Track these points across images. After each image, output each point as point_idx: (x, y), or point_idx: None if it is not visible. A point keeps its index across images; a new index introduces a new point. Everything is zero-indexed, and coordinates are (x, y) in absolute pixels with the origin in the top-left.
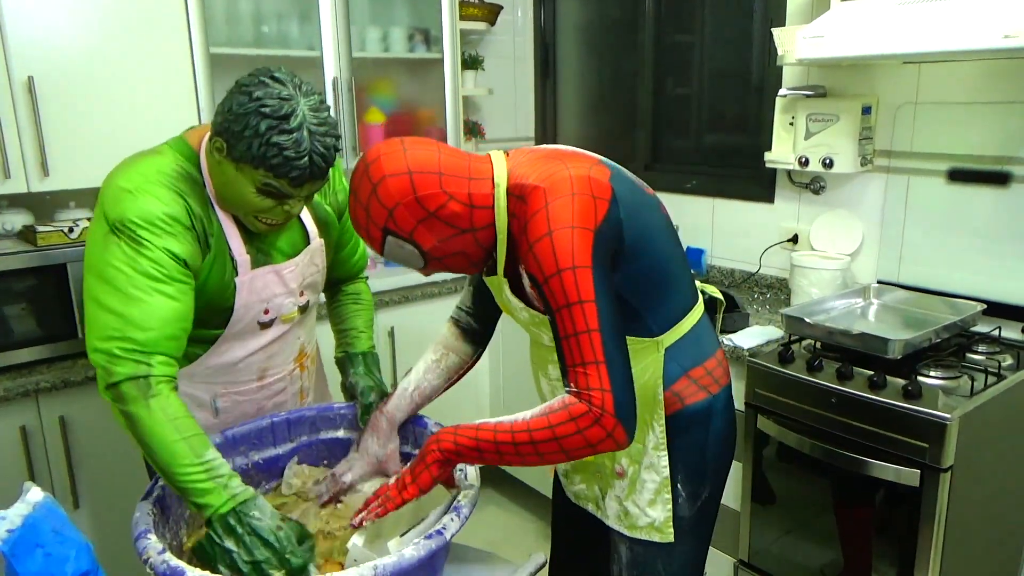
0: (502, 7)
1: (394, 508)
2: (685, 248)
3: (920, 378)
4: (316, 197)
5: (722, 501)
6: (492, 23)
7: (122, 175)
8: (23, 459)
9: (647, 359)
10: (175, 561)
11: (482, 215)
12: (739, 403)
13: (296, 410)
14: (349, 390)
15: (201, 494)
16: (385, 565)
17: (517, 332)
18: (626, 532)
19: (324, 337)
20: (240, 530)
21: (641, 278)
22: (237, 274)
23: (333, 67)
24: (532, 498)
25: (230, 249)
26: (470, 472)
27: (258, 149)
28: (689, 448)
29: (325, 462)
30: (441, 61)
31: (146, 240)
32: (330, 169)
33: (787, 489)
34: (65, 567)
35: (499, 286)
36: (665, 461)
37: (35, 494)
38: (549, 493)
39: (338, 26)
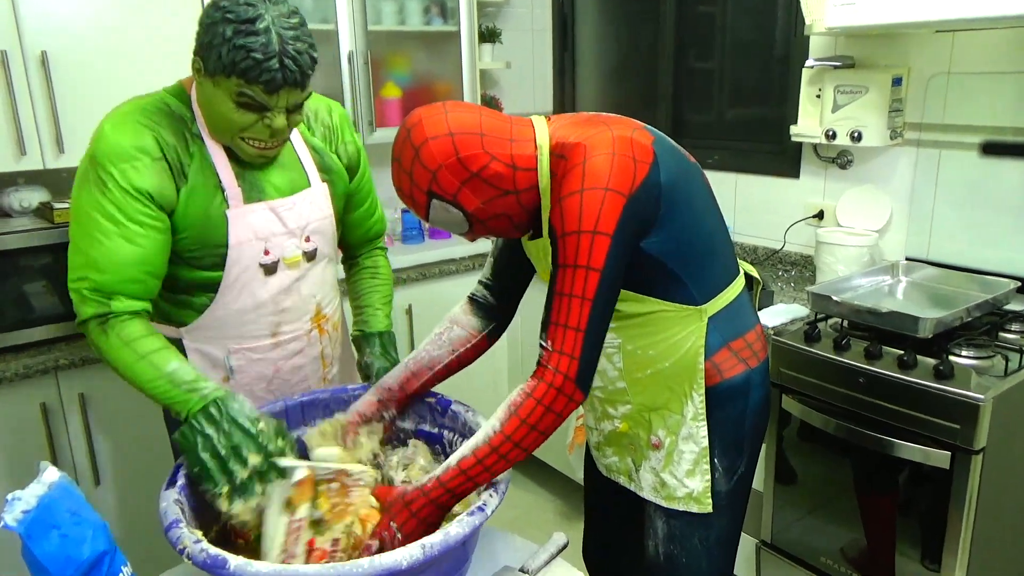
0: None
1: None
2: None
3: (952, 357)
4: (321, 143)
5: None
6: None
7: (108, 114)
8: (44, 436)
9: (691, 327)
10: (215, 550)
11: (525, 177)
12: None
13: (309, 392)
14: (364, 371)
15: (173, 403)
16: (433, 544)
17: (534, 314)
18: (663, 503)
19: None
20: (219, 417)
21: (683, 244)
22: (228, 206)
23: (348, 41)
24: (553, 477)
25: (220, 181)
26: None
27: (227, 55)
28: (726, 422)
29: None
30: (458, 34)
31: (110, 178)
32: (337, 117)
33: (811, 470)
34: (82, 548)
35: (544, 249)
36: (704, 431)
37: (51, 474)
38: (569, 472)
39: None
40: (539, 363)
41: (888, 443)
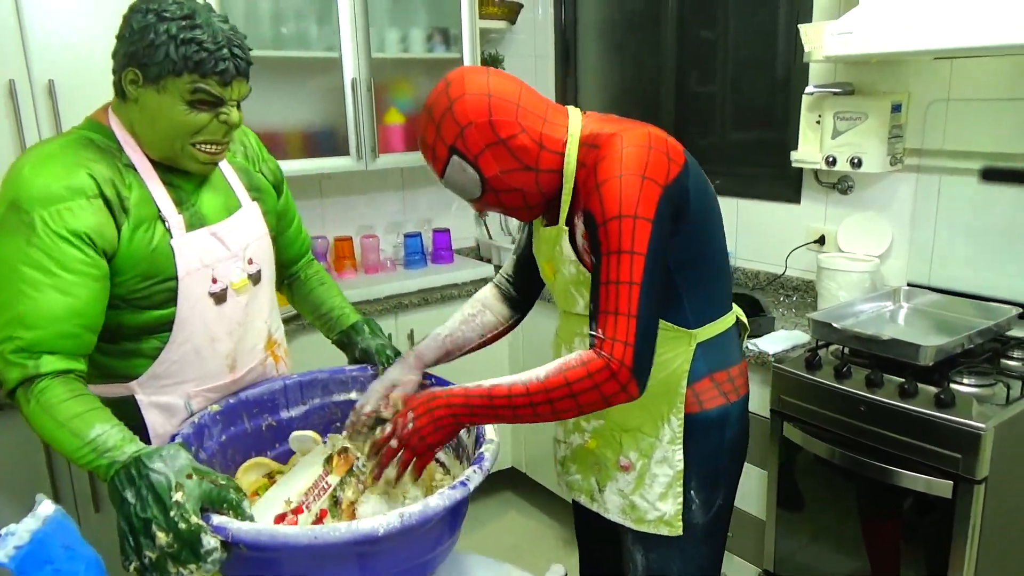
0: (522, 5)
1: (392, 459)
2: None
3: (953, 385)
4: (244, 162)
5: (748, 510)
6: (512, 21)
7: (20, 157)
8: (44, 465)
9: (678, 349)
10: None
11: (549, 158)
12: (764, 410)
13: (308, 372)
14: (365, 357)
15: (98, 471)
16: (411, 513)
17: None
18: (632, 526)
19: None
20: (138, 482)
21: (691, 257)
22: (172, 236)
23: (352, 68)
24: (554, 503)
25: (159, 211)
26: (488, 429)
27: (176, 51)
28: (703, 454)
29: (336, 424)
30: (461, 61)
31: (40, 223)
32: (251, 137)
33: (813, 497)
34: None
35: (556, 237)
36: (680, 456)
37: (46, 507)
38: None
39: (357, 27)
40: (593, 348)
41: (890, 472)
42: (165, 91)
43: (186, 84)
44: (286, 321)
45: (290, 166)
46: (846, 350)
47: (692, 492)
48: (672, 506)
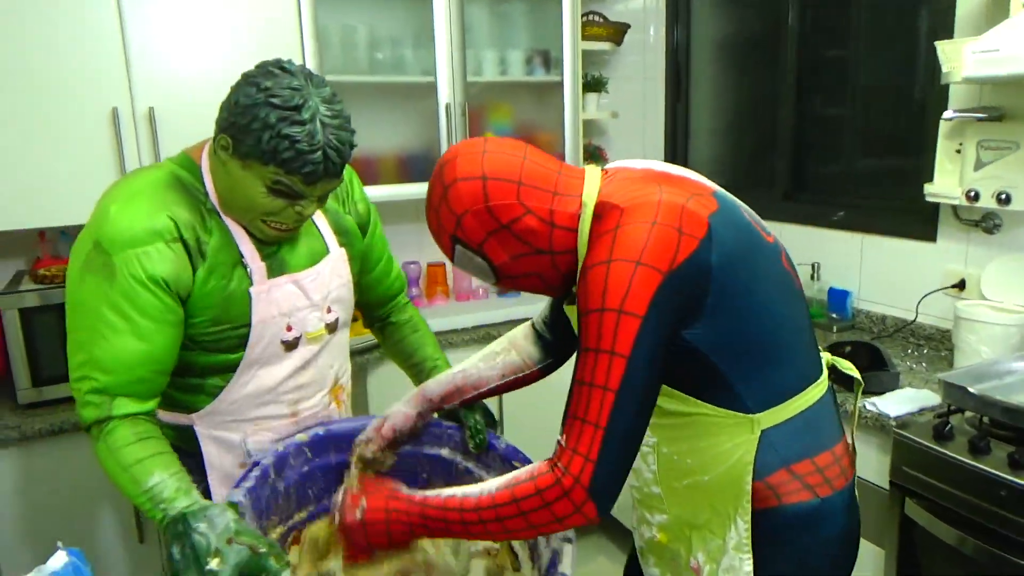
0: (629, 25)
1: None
2: (827, 289)
3: None
4: (333, 204)
5: None
6: (618, 43)
7: (110, 191)
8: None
9: (738, 439)
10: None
11: (563, 237)
12: (883, 481)
13: (356, 419)
14: (451, 416)
15: (154, 521)
16: None
17: None
18: None
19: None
20: (183, 540)
21: (734, 341)
22: (252, 283)
23: (447, 93)
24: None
25: (242, 257)
26: (565, 558)
27: (268, 142)
28: (784, 559)
29: (424, 475)
30: (561, 84)
31: (120, 267)
32: (346, 173)
33: None
34: None
35: None
36: (749, 567)
37: (57, 560)
38: None
39: (453, 50)
40: (552, 458)
41: None
42: (249, 169)
43: (269, 173)
44: (367, 350)
45: (385, 191)
46: (985, 419)
47: None
48: None
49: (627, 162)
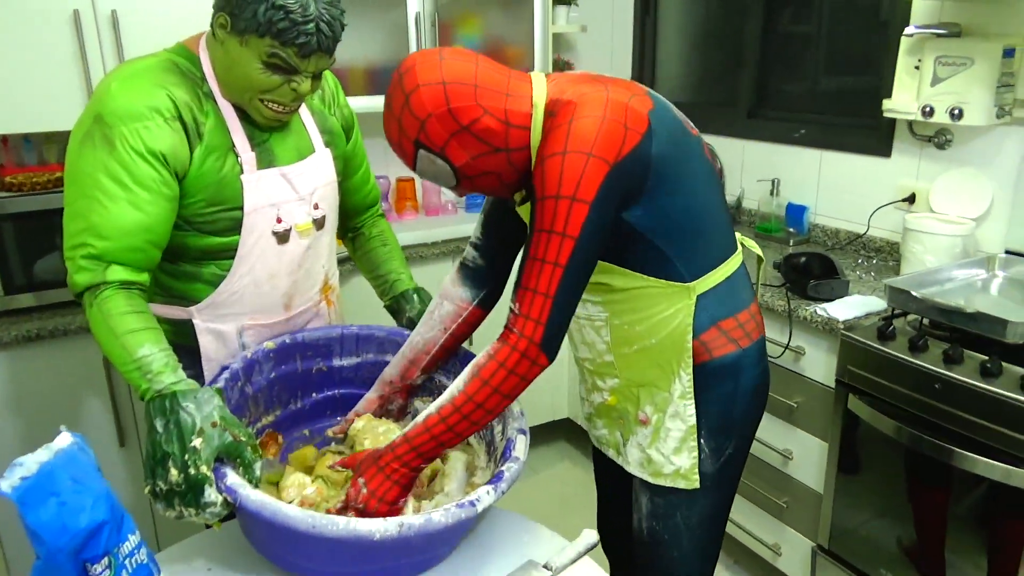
0: None
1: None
2: (786, 204)
3: None
4: (319, 105)
5: (805, 481)
6: None
7: (110, 73)
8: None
9: (678, 304)
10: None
11: (517, 135)
12: (829, 379)
13: (367, 326)
14: (410, 327)
15: (139, 391)
16: (411, 524)
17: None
18: (650, 479)
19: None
20: (168, 415)
21: (670, 220)
22: (243, 171)
23: (416, 3)
24: None
25: (234, 145)
26: (519, 445)
27: (264, 14)
28: (714, 402)
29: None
30: None
31: (120, 139)
32: (331, 80)
33: (874, 475)
34: (79, 517)
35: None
36: (692, 410)
37: (62, 440)
38: None
39: None
40: (506, 326)
41: (964, 457)
42: (246, 45)
43: (265, 46)
44: (340, 262)
45: (354, 103)
46: (925, 321)
47: (702, 440)
48: (687, 460)
49: (564, 72)
